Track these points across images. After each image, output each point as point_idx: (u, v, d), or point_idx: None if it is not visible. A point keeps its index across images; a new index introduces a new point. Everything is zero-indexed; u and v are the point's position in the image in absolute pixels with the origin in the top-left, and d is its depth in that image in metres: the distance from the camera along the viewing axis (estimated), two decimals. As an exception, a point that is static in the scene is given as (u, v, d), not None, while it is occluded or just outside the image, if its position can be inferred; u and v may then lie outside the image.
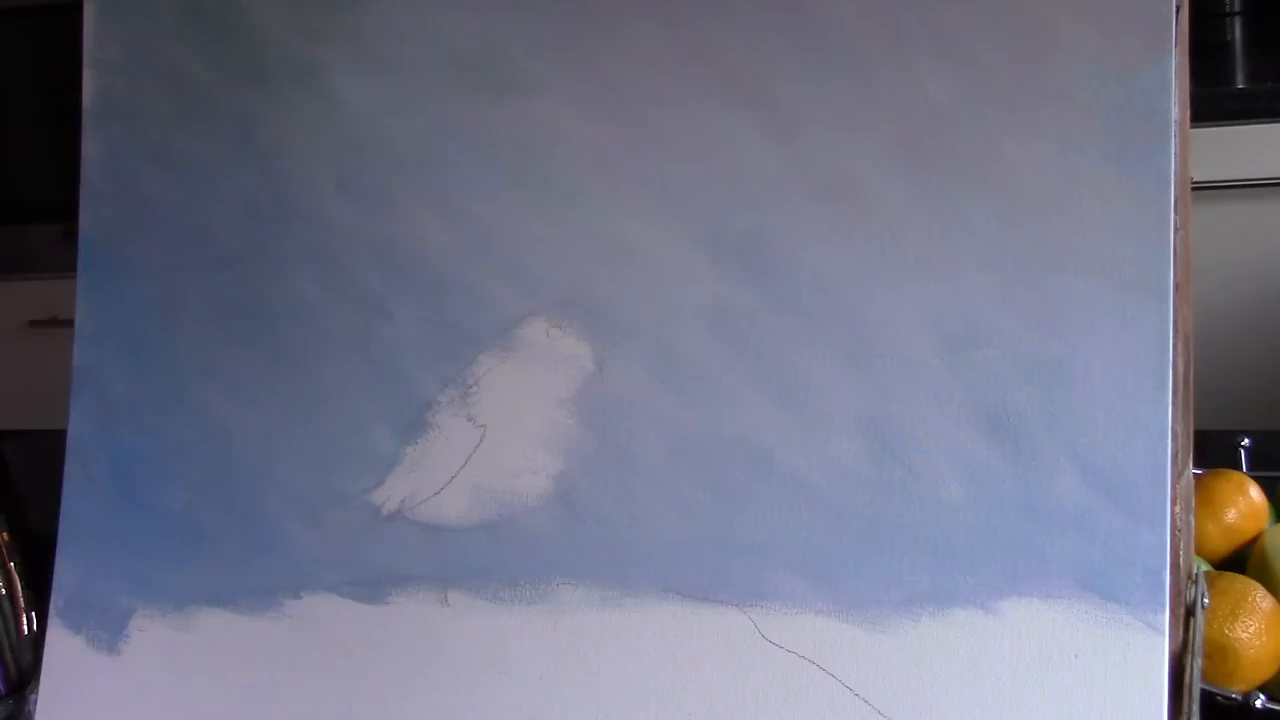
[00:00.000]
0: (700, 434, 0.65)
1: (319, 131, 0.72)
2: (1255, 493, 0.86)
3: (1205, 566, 0.80)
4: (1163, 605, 0.59)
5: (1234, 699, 0.70)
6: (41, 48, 2.07)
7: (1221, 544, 0.85)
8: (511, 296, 0.69)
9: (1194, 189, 0.72)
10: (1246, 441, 0.95)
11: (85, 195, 0.76)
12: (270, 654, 0.70)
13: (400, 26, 0.71)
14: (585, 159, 0.68)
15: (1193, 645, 0.63)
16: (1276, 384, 1.69)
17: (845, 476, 0.63)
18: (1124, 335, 0.60)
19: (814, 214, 0.65)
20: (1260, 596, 0.75)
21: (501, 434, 0.68)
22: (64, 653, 0.73)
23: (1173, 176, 0.60)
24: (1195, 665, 0.62)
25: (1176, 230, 0.60)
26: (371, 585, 0.69)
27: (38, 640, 0.77)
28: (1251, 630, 0.73)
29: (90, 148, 0.76)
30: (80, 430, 0.75)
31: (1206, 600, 0.68)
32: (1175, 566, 0.60)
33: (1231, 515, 0.85)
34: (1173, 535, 0.59)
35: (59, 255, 1.83)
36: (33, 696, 0.74)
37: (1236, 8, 1.89)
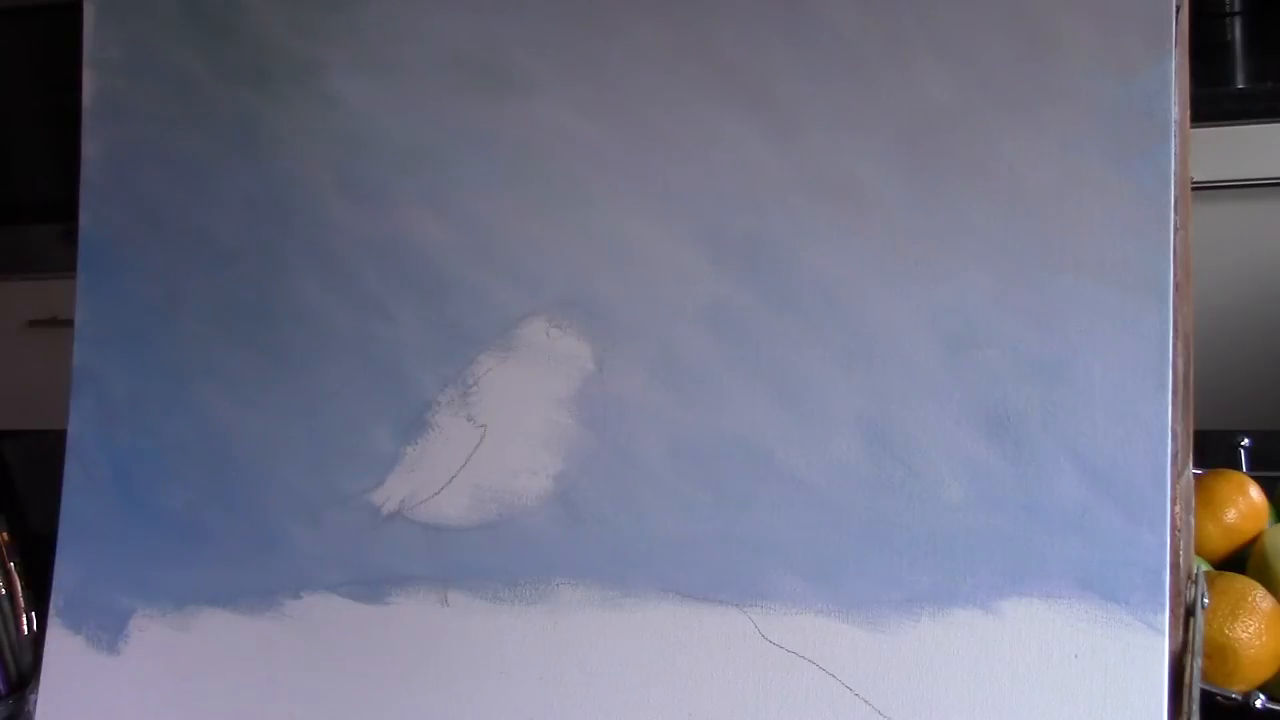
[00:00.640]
0: (700, 434, 0.65)
1: (319, 131, 0.72)
2: (1255, 493, 0.86)
3: (1205, 566, 0.80)
4: (1163, 605, 0.59)
5: (1234, 699, 0.70)
6: (41, 48, 2.07)
7: (1221, 544, 0.85)
8: (511, 296, 0.69)
9: (1194, 189, 0.72)
10: (1246, 441, 0.95)
11: (85, 195, 0.76)
12: (270, 654, 0.70)
13: (400, 26, 0.71)
14: (585, 159, 0.68)
15: (1193, 645, 0.63)
16: (1276, 384, 1.69)
17: (845, 476, 0.63)
18: (1124, 335, 0.60)
19: (814, 214, 0.65)
20: (1260, 596, 0.75)
21: (501, 434, 0.68)
22: (64, 653, 0.73)
23: (1173, 176, 0.60)
24: (1195, 665, 0.62)
25: (1176, 230, 0.60)
26: (371, 585, 0.69)
27: (38, 640, 0.77)
28: (1251, 630, 0.73)
29: (90, 148, 0.76)
30: (80, 430, 0.75)
31: (1206, 600, 0.68)
32: (1175, 566, 0.60)
33: (1231, 515, 0.85)
34: (1173, 535, 0.59)
35: (59, 255, 1.83)
36: (33, 696, 0.74)
37: (1236, 8, 1.89)
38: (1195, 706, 0.60)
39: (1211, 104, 1.63)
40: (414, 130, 0.70)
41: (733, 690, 0.63)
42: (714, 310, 0.66)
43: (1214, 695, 0.69)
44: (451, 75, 0.70)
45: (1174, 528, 0.59)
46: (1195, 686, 0.61)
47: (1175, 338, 0.60)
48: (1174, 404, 0.60)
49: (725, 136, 0.66)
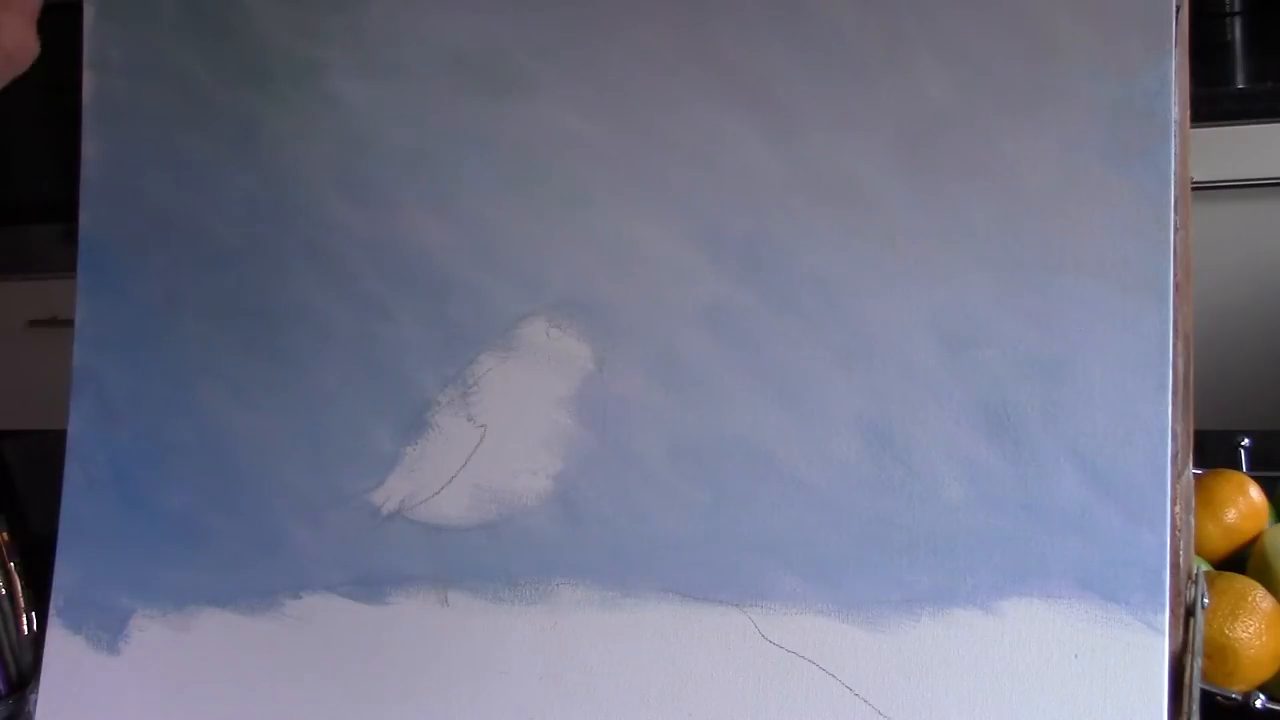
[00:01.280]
0: (700, 434, 0.65)
1: (320, 132, 0.72)
2: (1255, 493, 0.86)
3: (1205, 566, 0.80)
4: (1163, 605, 0.59)
5: (1234, 699, 0.70)
6: (42, 48, 2.07)
7: (1221, 544, 0.85)
8: (511, 296, 0.69)
9: (1194, 189, 0.72)
10: (1246, 441, 0.95)
11: (85, 195, 0.76)
12: (270, 654, 0.70)
13: (401, 26, 0.71)
14: (586, 159, 0.68)
15: (1193, 645, 0.63)
16: (1276, 384, 1.69)
17: (845, 476, 0.63)
18: (1124, 335, 0.60)
19: (814, 214, 0.65)
20: (1260, 596, 0.75)
21: (501, 434, 0.68)
22: (64, 653, 0.73)
23: (1173, 176, 0.60)
24: (1195, 665, 0.62)
25: (1176, 230, 0.60)
26: (371, 585, 0.69)
27: (38, 640, 0.77)
28: (1251, 630, 0.74)
29: (90, 148, 0.76)
30: (80, 430, 0.75)
31: (1206, 600, 0.68)
32: (1175, 566, 0.60)
33: (1231, 515, 0.85)
34: (1173, 535, 0.59)
35: (59, 255, 1.83)
36: (33, 696, 0.74)
37: (1236, 8, 1.89)
38: (1195, 706, 0.60)
39: (1211, 104, 1.63)
40: (415, 131, 0.70)
41: (732, 690, 0.63)
42: (714, 310, 0.66)
43: (1214, 695, 0.69)
44: (453, 76, 0.70)
45: (1174, 528, 0.59)
46: (1195, 686, 0.61)
47: (1175, 338, 0.60)
48: (1174, 404, 0.60)
49: (726, 137, 0.66)
